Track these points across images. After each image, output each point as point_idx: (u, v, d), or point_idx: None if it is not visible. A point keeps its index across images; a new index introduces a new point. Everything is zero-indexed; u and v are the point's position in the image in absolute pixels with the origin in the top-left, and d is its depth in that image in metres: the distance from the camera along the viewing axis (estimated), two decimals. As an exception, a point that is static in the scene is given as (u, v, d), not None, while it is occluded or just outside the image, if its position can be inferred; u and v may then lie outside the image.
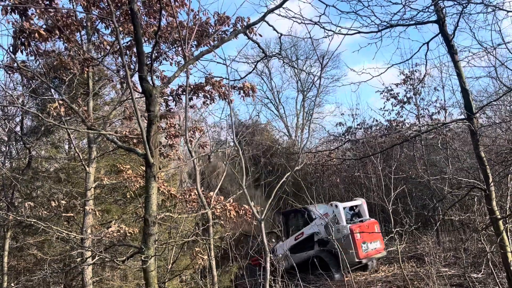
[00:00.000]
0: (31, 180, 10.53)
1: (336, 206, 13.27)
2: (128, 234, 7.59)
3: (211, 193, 8.41)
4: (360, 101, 41.74)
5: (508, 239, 6.45)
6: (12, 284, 9.43)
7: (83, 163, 8.16)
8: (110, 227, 7.61)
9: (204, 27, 7.94)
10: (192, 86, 8.47)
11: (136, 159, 10.63)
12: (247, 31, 6.44)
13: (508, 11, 6.01)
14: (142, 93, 4.86)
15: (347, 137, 21.64)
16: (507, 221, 6.61)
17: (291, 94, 55.96)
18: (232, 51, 43.50)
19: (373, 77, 7.15)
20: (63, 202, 8.05)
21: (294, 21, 6.12)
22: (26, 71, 6.70)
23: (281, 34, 6.22)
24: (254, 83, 8.90)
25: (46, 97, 8.44)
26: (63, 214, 8.16)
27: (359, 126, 22.04)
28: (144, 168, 6.37)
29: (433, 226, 13.92)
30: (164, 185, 9.23)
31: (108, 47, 7.95)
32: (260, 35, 7.81)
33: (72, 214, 8.50)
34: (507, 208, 7.53)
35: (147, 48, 9.36)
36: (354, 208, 14.42)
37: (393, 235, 9.91)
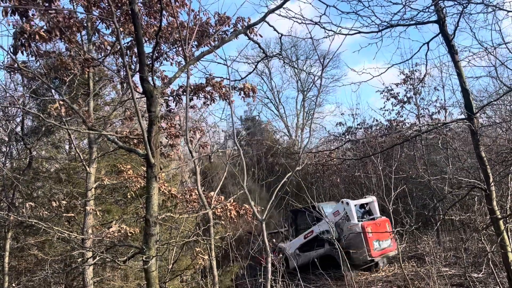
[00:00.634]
0: (32, 181, 10.54)
1: (348, 203, 13.04)
2: (129, 234, 7.59)
3: (212, 193, 8.42)
4: (360, 101, 41.81)
5: (509, 238, 6.45)
6: (13, 285, 9.44)
7: (84, 163, 8.17)
8: (111, 227, 7.62)
9: (204, 27, 7.94)
10: (192, 87, 8.48)
11: (137, 159, 10.63)
12: (248, 32, 6.45)
13: (508, 11, 6.02)
14: (143, 93, 4.86)
15: (347, 137, 21.65)
16: (508, 221, 6.62)
17: (291, 94, 56.04)
18: (233, 51, 43.55)
19: (373, 77, 7.16)
20: (64, 202, 8.06)
21: (294, 21, 6.14)
22: (27, 72, 6.71)
23: (282, 35, 6.23)
24: (255, 83, 8.93)
25: (46, 98, 8.44)
26: (64, 215, 8.17)
27: (359, 126, 22.07)
28: (144, 168, 6.38)
29: (433, 226, 13.91)
30: (164, 185, 9.23)
31: (108, 48, 7.95)
32: (261, 35, 7.81)
33: (73, 215, 8.51)
34: (508, 208, 7.54)
35: (147, 49, 9.37)
36: (365, 205, 14.21)
37: (394, 234, 9.92)
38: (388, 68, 7.31)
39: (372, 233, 12.31)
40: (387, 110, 19.60)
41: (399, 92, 18.91)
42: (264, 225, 5.53)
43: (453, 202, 11.44)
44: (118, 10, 7.35)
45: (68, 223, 9.27)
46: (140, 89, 5.47)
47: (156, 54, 8.17)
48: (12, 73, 7.31)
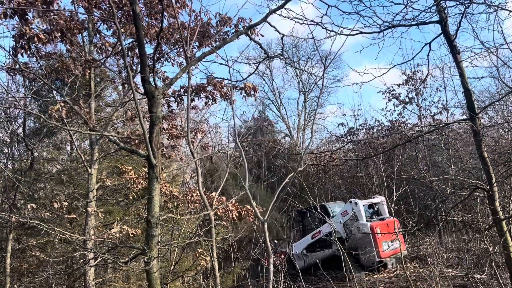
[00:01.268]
0: (34, 182, 10.54)
1: (356, 203, 12.90)
2: (130, 235, 7.59)
3: (213, 194, 8.40)
4: (362, 102, 41.80)
5: (512, 239, 6.42)
6: (15, 286, 9.44)
7: (85, 164, 8.16)
8: (113, 228, 7.61)
9: (205, 28, 7.93)
10: (194, 87, 8.47)
11: (138, 160, 10.63)
12: (249, 32, 6.43)
13: (510, 11, 5.99)
14: (144, 94, 4.85)
15: (349, 137, 21.61)
16: (510, 222, 6.58)
17: (293, 95, 56.05)
18: (234, 52, 43.59)
19: (375, 77, 7.13)
20: (66, 203, 8.06)
21: (296, 22, 6.12)
22: (28, 73, 6.71)
23: (283, 35, 6.22)
24: (256, 84, 8.90)
25: (48, 99, 8.45)
26: (66, 216, 8.17)
27: (361, 127, 22.04)
28: (146, 169, 6.37)
29: (435, 226, 13.86)
30: (166, 186, 9.23)
31: (110, 49, 7.95)
32: (262, 35, 7.81)
33: (74, 216, 8.51)
34: (510, 209, 7.50)
35: (149, 49, 9.37)
36: (373, 206, 14.05)
37: (396, 235, 9.90)
38: (390, 68, 7.28)
39: (380, 233, 12.18)
40: (389, 111, 19.59)
41: (401, 93, 18.89)
42: (266, 226, 5.52)
43: (455, 203, 11.40)
44: (119, 11, 7.34)
45: (70, 224, 9.27)
46: (142, 90, 5.46)
47: (158, 55, 8.17)
48: (13, 74, 7.31)
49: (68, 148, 12.29)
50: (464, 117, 9.29)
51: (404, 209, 12.20)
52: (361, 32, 6.55)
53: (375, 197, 14.49)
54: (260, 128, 24.72)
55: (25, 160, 11.18)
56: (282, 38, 6.34)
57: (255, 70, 8.30)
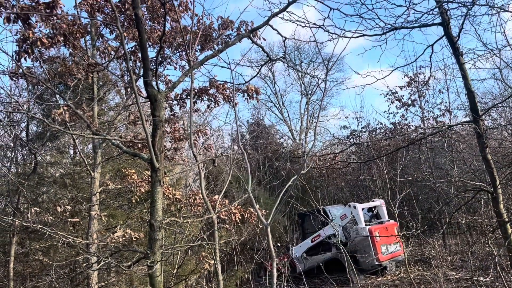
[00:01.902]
0: (37, 186, 10.56)
1: (355, 207, 12.91)
2: (133, 239, 7.58)
3: (216, 197, 8.39)
4: (364, 104, 41.60)
5: (516, 242, 6.39)
6: (18, 290, 9.44)
7: (88, 168, 8.17)
8: (116, 232, 7.61)
9: (208, 32, 7.95)
10: (196, 90, 8.48)
11: (141, 164, 10.64)
12: (251, 35, 6.44)
13: (513, 13, 5.98)
14: (147, 98, 4.86)
15: (351, 140, 21.57)
16: (515, 224, 6.55)
17: (295, 98, 55.94)
18: (236, 55, 43.60)
19: (377, 80, 7.15)
20: (69, 207, 8.06)
21: (298, 25, 6.13)
22: (31, 77, 6.73)
23: (285, 38, 6.23)
24: (258, 87, 8.91)
25: (51, 103, 8.48)
26: (69, 220, 8.17)
27: (363, 129, 21.99)
28: (149, 173, 6.37)
29: (439, 229, 13.80)
30: (169, 189, 9.22)
31: (112, 52, 7.98)
32: (264, 39, 7.82)
33: (77, 219, 8.51)
34: (515, 211, 7.47)
35: (151, 53, 9.38)
36: (373, 209, 14.07)
37: (399, 238, 9.85)
38: (393, 71, 7.32)
39: (379, 236, 12.17)
40: (392, 113, 19.53)
41: (403, 95, 18.85)
42: (269, 229, 5.50)
43: (459, 205, 11.37)
44: (122, 15, 7.37)
45: (73, 228, 9.27)
46: (144, 93, 5.47)
47: (160, 59, 8.19)
48: (16, 79, 7.33)
49: (71, 151, 12.31)
50: (467, 119, 9.28)
51: (407, 212, 12.18)
52: (364, 35, 6.56)
53: (374, 200, 14.49)
54: (259, 134, 24.73)
55: (28, 164, 11.20)
56: (284, 41, 6.35)
57: (258, 73, 8.32)
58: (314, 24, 6.19)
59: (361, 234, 12.47)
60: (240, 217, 9.00)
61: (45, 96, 10.39)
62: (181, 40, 7.62)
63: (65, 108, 6.62)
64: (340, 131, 24.12)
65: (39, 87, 9.43)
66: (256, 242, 11.24)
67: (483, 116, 7.00)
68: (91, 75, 8.04)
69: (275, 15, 5.56)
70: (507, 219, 6.41)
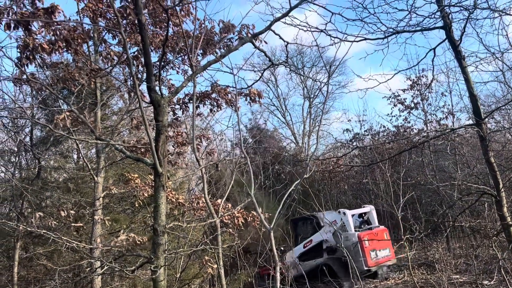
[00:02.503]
0: (41, 190, 10.60)
1: (344, 213, 13.16)
2: (137, 243, 7.59)
3: (219, 201, 8.40)
4: (367, 107, 41.64)
5: (520, 245, 6.37)
6: (22, 295, 9.46)
7: (92, 172, 8.21)
8: (119, 236, 7.62)
9: (209, 36, 7.98)
10: (198, 94, 8.51)
11: (144, 168, 10.67)
12: (254, 40, 6.47)
13: (515, 16, 5.98)
14: (150, 103, 4.88)
15: (354, 143, 21.56)
16: (519, 227, 6.53)
17: (298, 101, 56.02)
18: (239, 59, 43.74)
19: (380, 83, 7.16)
20: (72, 212, 8.08)
21: (300, 29, 6.16)
22: (35, 83, 6.77)
23: (288, 43, 6.26)
24: (261, 90, 8.93)
25: (55, 108, 8.52)
26: (72, 224, 8.19)
27: (366, 133, 21.97)
28: (152, 177, 6.39)
29: (443, 232, 13.78)
30: (172, 194, 9.24)
31: (115, 58, 8.01)
32: (266, 42, 7.84)
33: (81, 224, 8.53)
34: (518, 214, 7.44)
35: (154, 58, 9.42)
36: (363, 215, 14.29)
37: (402, 242, 9.83)
38: (395, 74, 7.31)
39: (368, 240, 12.38)
40: (394, 116, 19.51)
41: (406, 98, 18.82)
42: (272, 233, 5.50)
43: (462, 208, 11.33)
44: (124, 20, 7.41)
45: (77, 233, 9.29)
46: (147, 98, 5.50)
47: (163, 63, 8.22)
48: (20, 85, 7.38)
49: (75, 156, 12.37)
50: (470, 121, 9.27)
51: (411, 215, 12.13)
52: (366, 39, 6.58)
53: (365, 207, 14.72)
54: (261, 138, 24.76)
55: (32, 169, 11.25)
56: (286, 46, 6.38)
57: (260, 77, 8.34)
58: (316, 28, 6.21)
59: (350, 240, 12.65)
60: (243, 221, 9.01)
61: (49, 102, 10.44)
62: (183, 44, 7.65)
63: (68, 113, 6.65)
64: (343, 134, 24.06)
65: (42, 92, 9.49)
66: (259, 245, 11.23)
67: (486, 119, 6.99)
68: (94, 81, 8.08)
69: (277, 20, 5.58)
70: (511, 222, 6.39)
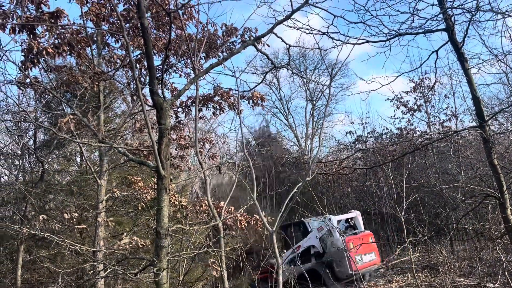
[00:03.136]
0: (44, 193, 10.64)
1: (330, 219, 13.35)
2: (140, 246, 7.60)
3: (222, 203, 8.40)
4: (370, 110, 41.55)
5: (524, 248, 6.34)
6: (26, 297, 9.48)
7: (95, 175, 8.23)
8: (122, 239, 7.63)
9: (212, 39, 8.01)
10: (201, 97, 8.53)
11: (147, 171, 10.69)
12: (256, 43, 6.48)
13: (517, 18, 5.97)
14: (153, 106, 4.90)
15: (357, 146, 21.51)
16: (523, 230, 6.50)
17: (300, 104, 56.02)
18: (241, 62, 43.81)
19: (382, 85, 7.16)
20: (76, 214, 8.11)
21: (302, 32, 6.17)
22: (38, 87, 6.80)
23: (290, 45, 6.26)
24: (263, 93, 8.95)
25: (58, 112, 8.55)
26: (76, 227, 8.21)
27: (369, 135, 21.91)
28: (155, 180, 6.40)
29: (446, 235, 13.72)
30: (175, 196, 9.25)
31: (118, 61, 8.05)
32: (268, 45, 7.87)
33: (84, 226, 8.55)
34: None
35: (156, 61, 9.45)
36: (349, 220, 14.51)
37: (406, 244, 9.77)
38: (397, 76, 7.33)
39: (354, 247, 12.56)
40: (397, 119, 19.47)
41: (409, 100, 18.76)
42: (274, 236, 5.50)
43: (466, 210, 11.29)
44: (127, 24, 7.44)
45: (80, 235, 9.31)
46: (150, 101, 5.51)
47: (166, 67, 8.25)
48: (23, 88, 7.42)
49: (78, 159, 12.41)
50: (474, 124, 9.24)
51: (414, 218, 12.09)
52: (368, 41, 6.58)
53: (350, 212, 14.96)
54: (264, 142, 24.79)
55: (35, 172, 11.29)
56: (288, 49, 6.39)
57: (262, 80, 8.36)
58: (318, 31, 6.22)
59: (336, 245, 12.85)
60: (245, 224, 9.01)
61: (52, 105, 10.48)
62: (186, 48, 7.68)
63: (71, 116, 6.68)
64: (345, 136, 24.05)
65: (46, 96, 9.53)
66: (262, 248, 11.23)
67: (489, 121, 6.97)
68: (97, 84, 8.11)
69: (279, 23, 5.60)
70: (514, 225, 6.36)
